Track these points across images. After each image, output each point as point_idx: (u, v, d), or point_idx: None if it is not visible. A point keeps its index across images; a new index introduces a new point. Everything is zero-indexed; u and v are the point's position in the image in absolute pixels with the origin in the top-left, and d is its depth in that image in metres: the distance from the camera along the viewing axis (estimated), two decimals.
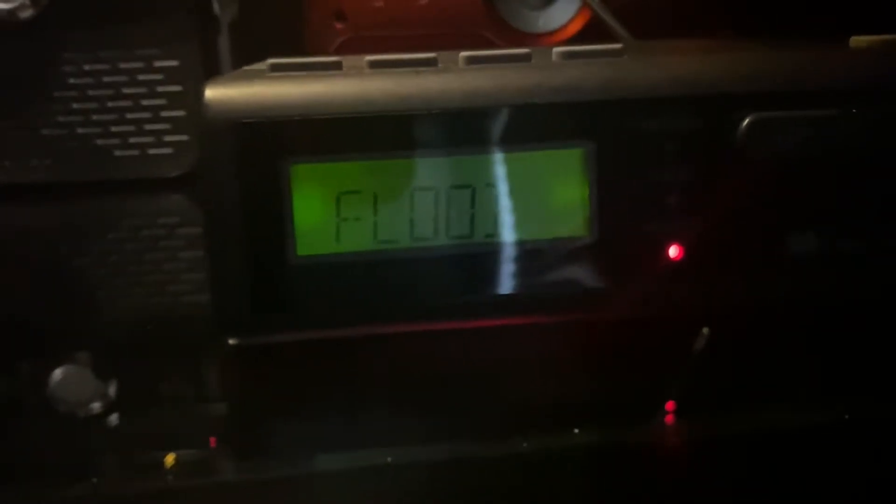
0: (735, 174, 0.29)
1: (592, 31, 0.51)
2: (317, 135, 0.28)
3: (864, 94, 0.29)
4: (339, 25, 0.52)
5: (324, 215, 0.29)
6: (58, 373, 0.41)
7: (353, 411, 0.29)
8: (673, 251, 0.29)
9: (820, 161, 0.29)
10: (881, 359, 0.30)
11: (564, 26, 0.52)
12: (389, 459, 0.24)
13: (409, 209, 0.29)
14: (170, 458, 0.31)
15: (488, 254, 0.29)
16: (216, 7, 0.49)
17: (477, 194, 0.29)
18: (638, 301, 0.30)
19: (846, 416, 0.26)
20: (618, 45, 0.31)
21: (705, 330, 0.31)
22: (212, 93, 0.28)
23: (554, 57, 0.31)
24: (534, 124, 0.29)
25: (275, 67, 0.30)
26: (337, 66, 0.31)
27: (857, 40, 0.32)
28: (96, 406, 0.39)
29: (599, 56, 0.31)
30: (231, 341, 0.30)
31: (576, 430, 0.25)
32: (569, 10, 0.51)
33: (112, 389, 0.40)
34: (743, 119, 0.29)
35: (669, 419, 0.29)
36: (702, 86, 0.29)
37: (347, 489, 0.27)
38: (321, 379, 0.30)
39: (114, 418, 0.34)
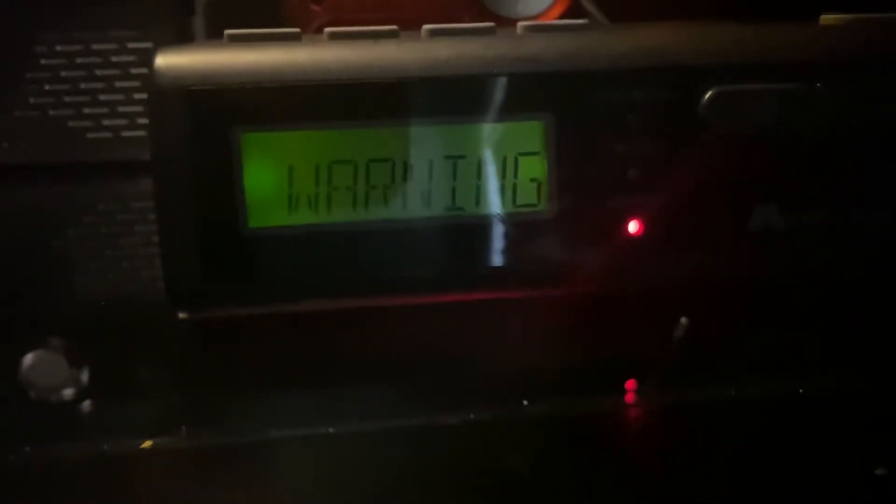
0: (697, 148, 0.28)
1: (573, 16, 0.50)
2: (269, 103, 0.28)
3: (829, 70, 0.29)
4: (315, 8, 0.51)
5: (275, 186, 0.28)
6: (29, 357, 0.40)
7: (306, 387, 0.28)
8: (633, 226, 0.29)
9: (783, 136, 0.29)
10: (844, 333, 0.30)
11: (544, 12, 0.51)
12: (331, 430, 0.24)
13: (364, 182, 0.28)
14: (146, 445, 0.31)
15: (443, 227, 0.29)
16: None
17: (434, 167, 0.28)
18: (598, 277, 0.29)
19: (800, 390, 0.25)
20: (584, 21, 0.31)
21: (683, 319, 0.31)
22: (162, 59, 0.27)
23: (518, 30, 0.30)
24: (493, 95, 0.28)
25: (232, 38, 0.30)
26: (296, 37, 0.30)
27: (827, 18, 0.31)
28: (69, 392, 0.39)
29: (563, 30, 0.30)
30: (181, 315, 0.29)
31: (524, 402, 0.25)
32: None
33: (85, 375, 0.39)
34: (706, 92, 0.28)
35: (629, 398, 0.28)
36: (664, 57, 0.28)
37: (299, 459, 0.26)
38: (274, 354, 0.30)
39: (86, 405, 0.34)
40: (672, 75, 0.28)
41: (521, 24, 0.31)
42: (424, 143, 0.28)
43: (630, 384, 0.28)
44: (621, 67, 0.28)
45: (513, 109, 0.28)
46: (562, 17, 0.52)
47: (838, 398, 0.26)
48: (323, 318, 0.30)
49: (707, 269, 0.29)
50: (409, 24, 0.51)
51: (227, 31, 0.30)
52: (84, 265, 0.43)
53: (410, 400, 0.26)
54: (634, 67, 0.28)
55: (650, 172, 0.28)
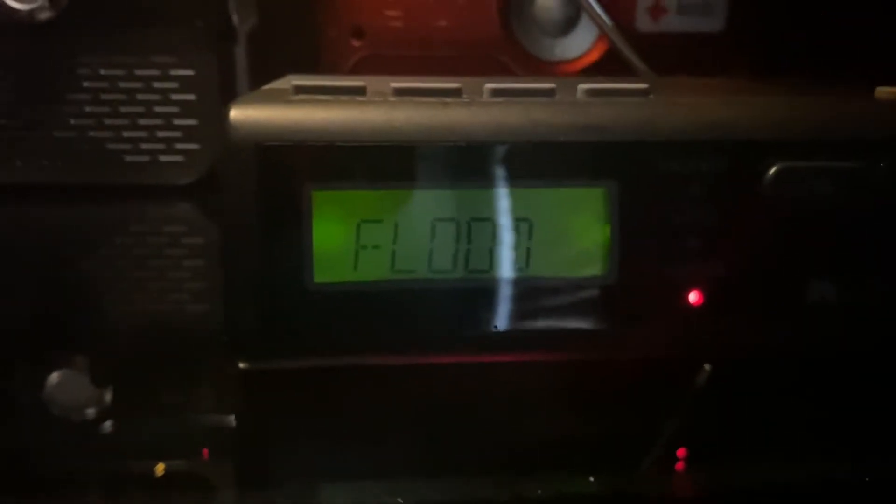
0: (758, 222, 0.29)
1: (610, 60, 0.51)
2: (339, 162, 0.28)
3: (890, 147, 0.29)
4: (356, 43, 0.52)
5: (343, 243, 0.28)
6: (55, 376, 0.41)
7: (361, 443, 0.28)
8: (693, 297, 0.29)
9: (844, 212, 0.29)
10: None
11: (582, 56, 0.52)
12: (400, 501, 0.24)
13: (429, 240, 0.28)
14: (160, 468, 0.31)
15: (509, 290, 0.29)
16: (234, 18, 0.49)
17: (497, 228, 0.29)
18: (654, 345, 0.29)
19: (865, 478, 0.26)
20: (643, 85, 0.31)
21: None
22: (236, 113, 0.28)
23: (579, 94, 0.31)
24: (558, 161, 0.29)
25: (298, 90, 0.30)
26: (361, 91, 0.30)
27: (882, 91, 0.31)
28: (91, 412, 0.39)
29: (624, 95, 0.31)
30: (241, 365, 0.29)
31: (590, 479, 0.25)
32: (587, 40, 0.51)
33: (108, 396, 0.40)
34: (769, 167, 0.29)
35: (679, 466, 0.28)
36: (729, 131, 0.29)
37: None
38: (332, 408, 0.30)
39: (108, 425, 0.34)
40: (736, 149, 0.29)
41: (581, 87, 0.31)
42: (489, 204, 0.29)
43: (679, 456, 0.28)
44: (685, 139, 0.29)
45: (577, 176, 0.29)
46: (599, 61, 0.52)
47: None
48: (381, 373, 0.30)
49: (764, 342, 0.29)
50: (447, 62, 0.51)
51: (294, 82, 0.30)
52: (114, 286, 0.43)
53: (461, 465, 0.27)
54: (699, 140, 0.29)
55: (711, 244, 0.29)
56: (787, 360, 0.30)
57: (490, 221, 0.29)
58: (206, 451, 0.29)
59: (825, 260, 0.29)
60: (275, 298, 0.28)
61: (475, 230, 0.29)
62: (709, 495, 0.26)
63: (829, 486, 0.26)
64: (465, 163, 0.28)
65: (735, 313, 0.29)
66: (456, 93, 0.30)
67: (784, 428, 0.29)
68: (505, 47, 0.51)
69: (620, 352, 0.30)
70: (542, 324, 0.29)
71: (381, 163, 0.28)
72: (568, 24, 0.51)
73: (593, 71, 0.50)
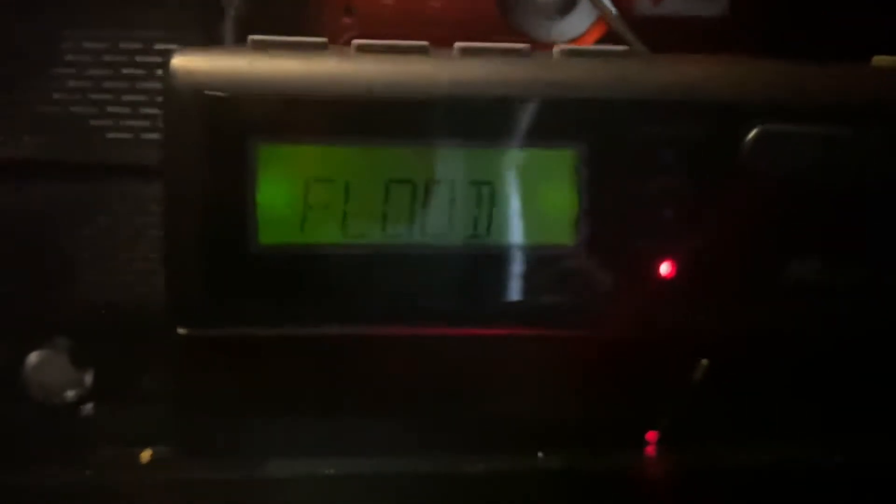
0: (737, 190, 0.27)
1: (608, 43, 0.49)
2: (288, 115, 0.26)
3: (881, 114, 0.27)
4: (346, 20, 0.50)
5: (290, 202, 0.27)
6: (33, 357, 0.39)
7: (305, 415, 0.26)
8: (664, 268, 0.27)
9: (829, 182, 0.27)
10: (880, 398, 0.28)
11: (579, 38, 0.50)
12: (331, 471, 0.22)
13: (383, 202, 0.27)
14: (146, 455, 0.30)
15: (465, 256, 0.27)
16: None
17: (457, 191, 0.27)
18: (623, 319, 0.27)
19: (838, 458, 0.23)
20: (623, 48, 0.29)
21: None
22: (178, 61, 0.26)
23: (554, 54, 0.29)
24: (524, 120, 0.27)
25: (256, 44, 0.28)
26: (322, 46, 0.29)
27: (880, 59, 0.29)
28: (71, 394, 0.38)
29: (602, 56, 0.29)
30: (181, 330, 0.28)
31: (539, 454, 0.23)
32: (585, 22, 0.49)
33: (88, 378, 0.38)
34: (749, 130, 0.27)
35: (650, 450, 0.26)
36: (707, 91, 0.27)
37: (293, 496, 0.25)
38: (275, 378, 0.28)
39: (88, 407, 0.32)
40: (714, 111, 0.27)
41: (557, 47, 0.29)
42: (448, 165, 0.27)
43: (651, 436, 0.26)
44: (660, 99, 0.27)
45: (543, 136, 0.27)
46: (598, 42, 0.50)
47: (868, 466, 0.24)
48: (330, 344, 0.28)
49: (737, 320, 0.27)
50: (441, 44, 0.50)
51: (252, 37, 0.29)
52: (95, 266, 0.42)
53: (413, 440, 0.25)
54: (675, 100, 0.27)
55: (685, 212, 0.27)
56: (765, 341, 0.28)
57: (448, 183, 0.27)
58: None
59: (807, 235, 0.27)
60: (216, 260, 0.26)
61: (433, 192, 0.27)
62: (677, 476, 0.24)
63: (801, 469, 0.24)
64: (424, 120, 0.27)
65: (709, 288, 0.27)
66: (422, 51, 0.29)
67: (758, 410, 0.27)
68: (500, 28, 0.50)
69: (587, 327, 0.28)
70: (502, 296, 0.27)
71: (334, 117, 0.26)
72: (565, 6, 0.49)
73: None
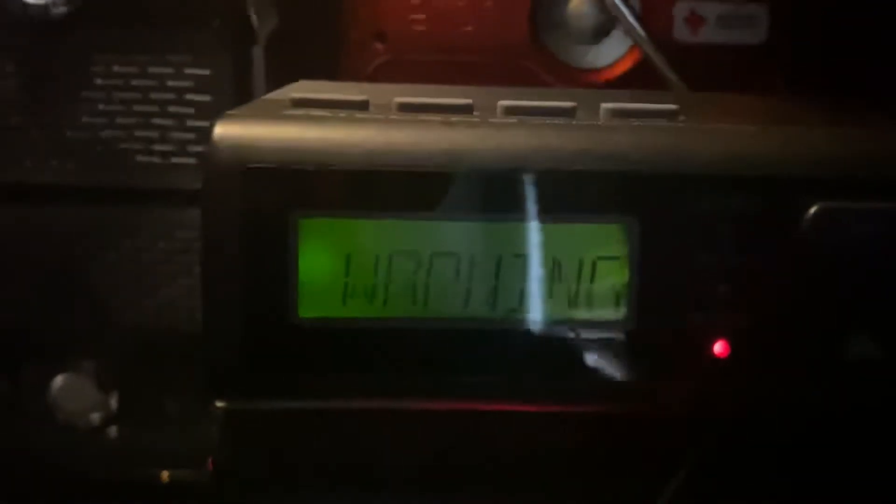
0: (794, 267, 0.26)
1: (643, 70, 0.48)
2: (330, 187, 0.26)
3: None
4: (378, 46, 0.50)
5: (331, 275, 0.26)
6: (59, 380, 0.39)
7: (342, 491, 0.26)
8: (718, 347, 0.26)
9: (888, 258, 0.26)
10: None
11: (613, 64, 0.49)
12: None
13: (426, 276, 0.26)
14: (165, 476, 0.29)
15: (510, 332, 0.26)
16: (253, 18, 0.47)
17: (502, 265, 0.26)
18: (674, 400, 0.26)
19: None
20: (672, 106, 0.29)
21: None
22: (221, 130, 0.25)
23: (602, 114, 0.28)
24: (573, 192, 0.26)
25: (296, 103, 0.28)
26: (363, 105, 0.28)
27: None
28: (96, 417, 0.38)
29: (651, 117, 0.28)
30: (220, 403, 0.27)
31: None
32: (619, 49, 0.48)
33: (113, 402, 0.38)
34: (808, 207, 0.26)
35: None
36: (765, 165, 0.26)
37: None
38: (315, 451, 0.28)
39: (112, 430, 0.32)
40: (772, 186, 0.26)
41: (604, 106, 0.29)
42: (493, 239, 0.26)
43: None
44: (716, 173, 0.26)
45: (594, 209, 0.26)
46: (632, 69, 0.49)
47: None
48: (369, 418, 0.28)
49: (796, 399, 0.26)
50: (472, 68, 0.49)
51: (293, 95, 0.28)
52: (122, 291, 0.42)
53: None
54: (730, 174, 0.26)
55: (741, 290, 0.26)
56: (822, 423, 0.27)
57: (493, 257, 0.26)
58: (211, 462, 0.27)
59: (867, 311, 0.26)
60: (256, 333, 0.26)
61: (478, 267, 0.26)
62: None
63: None
64: (469, 192, 0.26)
65: (764, 368, 0.26)
66: (466, 110, 0.28)
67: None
68: (533, 54, 0.49)
69: (636, 406, 0.27)
70: (550, 372, 0.27)
71: (376, 189, 0.26)
72: (600, 32, 0.48)
73: (624, 81, 0.47)
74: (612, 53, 0.49)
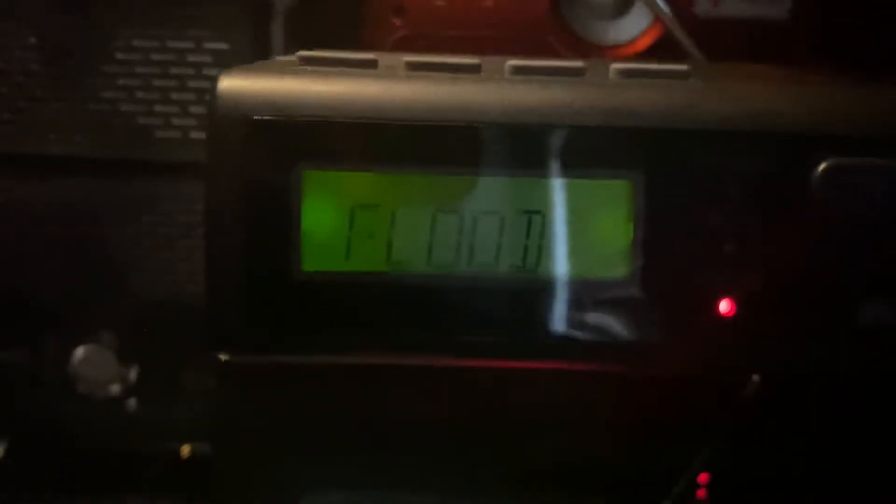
0: (803, 225, 0.25)
1: (664, 46, 0.47)
2: (335, 140, 0.25)
3: None
4: (397, 21, 0.49)
5: (335, 229, 0.26)
6: (80, 351, 0.40)
7: (349, 448, 0.26)
8: (724, 306, 0.26)
9: None
10: None
11: (634, 40, 0.48)
12: None
13: (430, 231, 0.26)
14: (185, 450, 0.30)
15: (513, 288, 0.26)
16: None
17: (506, 222, 0.26)
18: (678, 358, 0.26)
19: None
20: (684, 67, 0.28)
21: (756, 377, 0.28)
22: (225, 83, 0.25)
23: (610, 74, 0.28)
24: (579, 148, 0.26)
25: (304, 60, 0.28)
26: (372, 64, 0.28)
27: None
28: (115, 388, 0.38)
29: (661, 77, 0.27)
30: (223, 357, 0.27)
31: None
32: (640, 24, 0.48)
33: (133, 374, 0.39)
34: (818, 163, 0.25)
35: (701, 494, 0.25)
36: (773, 122, 0.25)
37: None
38: (317, 407, 0.27)
39: (132, 402, 0.32)
40: (781, 142, 0.25)
41: (613, 66, 0.28)
42: (497, 194, 0.26)
43: (702, 479, 0.25)
44: (724, 129, 0.25)
45: (599, 165, 0.26)
46: (654, 45, 0.49)
47: None
48: (373, 373, 0.28)
49: (801, 362, 0.26)
50: (490, 44, 0.49)
51: (301, 53, 0.28)
52: (142, 264, 0.42)
53: (450, 480, 0.24)
54: (738, 130, 0.25)
55: (748, 247, 0.25)
56: (827, 385, 0.27)
57: (498, 214, 0.26)
58: None
59: (878, 272, 0.26)
60: (259, 287, 0.26)
61: (481, 223, 0.26)
62: None
63: None
64: (473, 146, 0.26)
65: (771, 328, 0.26)
66: (474, 69, 0.28)
67: (819, 460, 0.26)
68: (553, 28, 0.48)
69: (640, 364, 0.26)
70: (550, 329, 0.26)
71: (381, 142, 0.26)
72: (621, 7, 0.48)
73: (645, 57, 0.47)
74: (632, 29, 0.49)
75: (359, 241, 0.26)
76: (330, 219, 0.26)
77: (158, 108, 0.47)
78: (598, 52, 0.49)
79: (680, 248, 0.26)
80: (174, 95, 0.47)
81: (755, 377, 0.28)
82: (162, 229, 0.45)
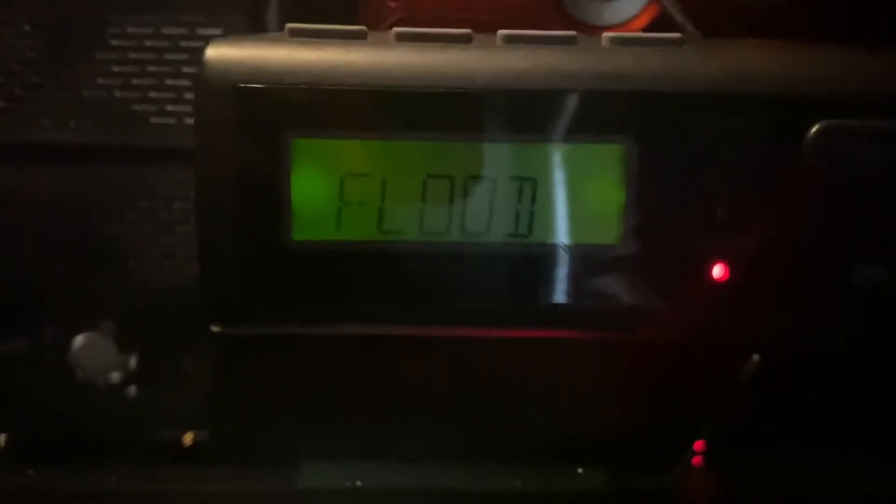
0: (796, 188, 0.25)
1: (661, 28, 0.47)
2: (323, 107, 0.25)
3: None
4: (392, 4, 0.49)
5: (325, 198, 0.26)
6: (80, 339, 0.40)
7: (335, 418, 0.26)
8: (717, 271, 0.26)
9: (894, 178, 0.25)
10: None
11: (630, 20, 0.48)
12: (358, 483, 0.21)
13: (420, 199, 0.26)
14: (188, 438, 0.29)
15: (505, 255, 0.26)
16: None
17: (497, 188, 0.26)
18: (670, 325, 0.26)
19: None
20: (677, 35, 0.28)
21: (756, 357, 0.27)
22: (212, 52, 0.25)
23: (602, 41, 0.28)
24: (569, 113, 0.26)
25: (293, 32, 0.27)
26: (361, 35, 0.28)
27: None
28: (115, 376, 0.38)
29: (654, 44, 0.27)
30: (215, 328, 0.27)
31: (580, 470, 0.22)
32: (636, 4, 0.47)
33: (133, 361, 0.38)
34: (810, 125, 0.25)
35: (697, 460, 0.25)
36: (767, 84, 0.25)
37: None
38: (309, 378, 0.27)
39: (132, 390, 0.32)
40: (773, 105, 0.25)
41: (605, 35, 0.28)
42: (489, 160, 0.26)
43: (699, 446, 0.25)
44: (716, 92, 0.25)
45: (591, 130, 0.25)
46: (650, 26, 0.48)
47: None
48: (363, 344, 0.27)
49: (796, 326, 0.26)
50: (487, 27, 0.48)
51: (289, 25, 0.28)
52: (141, 251, 0.42)
53: (445, 448, 0.24)
54: (731, 92, 0.25)
55: (741, 212, 0.25)
56: (822, 350, 0.26)
57: (489, 179, 0.26)
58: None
59: (873, 236, 0.25)
60: (250, 257, 0.26)
61: (472, 189, 0.26)
62: (724, 499, 0.23)
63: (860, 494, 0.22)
64: (464, 112, 0.25)
65: (765, 294, 0.26)
66: (464, 39, 0.27)
67: (816, 428, 0.26)
68: (550, 12, 0.48)
69: (633, 331, 0.26)
70: (544, 296, 0.26)
71: (371, 109, 0.25)
72: None
73: None
74: (629, 9, 0.49)
75: (349, 210, 0.26)
76: (320, 187, 0.26)
77: (153, 94, 0.47)
78: (593, 32, 0.49)
79: (673, 213, 0.26)
80: (168, 81, 0.47)
81: (755, 357, 0.28)
82: (159, 215, 0.45)
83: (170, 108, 0.47)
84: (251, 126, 0.25)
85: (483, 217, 0.26)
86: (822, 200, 0.25)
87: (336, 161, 0.26)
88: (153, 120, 0.47)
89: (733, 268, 0.26)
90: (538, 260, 0.26)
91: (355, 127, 0.25)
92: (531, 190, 0.26)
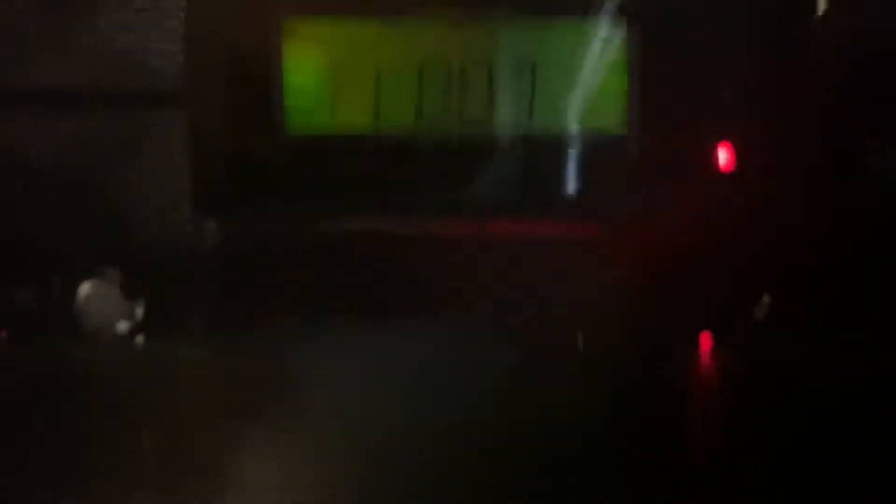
0: (805, 63, 0.24)
1: None
2: None
3: None
4: None
5: (318, 85, 0.25)
6: (85, 287, 0.39)
7: (331, 314, 0.25)
8: (722, 157, 0.24)
9: None
10: None
11: None
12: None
13: (417, 86, 0.25)
14: None
15: (505, 144, 0.25)
16: None
17: (496, 73, 0.25)
18: (675, 215, 0.25)
19: None
20: None
21: (766, 298, 0.26)
22: None
23: None
24: None
25: None
26: None
27: None
28: (123, 326, 0.37)
29: None
30: (210, 225, 0.26)
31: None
32: None
33: (139, 311, 0.38)
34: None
35: (705, 346, 0.24)
36: None
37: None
38: (305, 275, 0.27)
39: (140, 339, 0.32)
40: None
41: None
42: (484, 44, 0.25)
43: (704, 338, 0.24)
44: None
45: (593, 10, 0.24)
46: None
47: None
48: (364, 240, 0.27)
49: (806, 218, 0.24)
50: None
51: None
52: (146, 200, 0.41)
53: (441, 341, 0.23)
54: None
55: (747, 96, 0.24)
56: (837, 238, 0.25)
57: (487, 65, 0.25)
58: None
59: (884, 118, 0.24)
60: (242, 147, 0.25)
61: (472, 75, 0.25)
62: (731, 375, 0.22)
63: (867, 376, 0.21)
64: None
65: (771, 181, 0.25)
66: None
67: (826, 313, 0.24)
68: None
69: (637, 222, 0.25)
70: (544, 186, 0.25)
71: None
72: None
73: None
74: None
75: (343, 99, 0.25)
76: (313, 76, 0.25)
77: (152, 38, 0.46)
78: None
79: (677, 96, 0.25)
80: (167, 23, 0.46)
81: (766, 297, 0.27)
82: (163, 161, 0.44)
83: (168, 48, 0.46)
84: (241, 9, 0.24)
85: (483, 106, 0.25)
86: (829, 79, 0.24)
87: (329, 45, 0.25)
88: (153, 64, 0.46)
89: (739, 153, 0.25)
90: (542, 148, 0.25)
91: (349, 7, 0.24)
92: (531, 74, 0.25)
